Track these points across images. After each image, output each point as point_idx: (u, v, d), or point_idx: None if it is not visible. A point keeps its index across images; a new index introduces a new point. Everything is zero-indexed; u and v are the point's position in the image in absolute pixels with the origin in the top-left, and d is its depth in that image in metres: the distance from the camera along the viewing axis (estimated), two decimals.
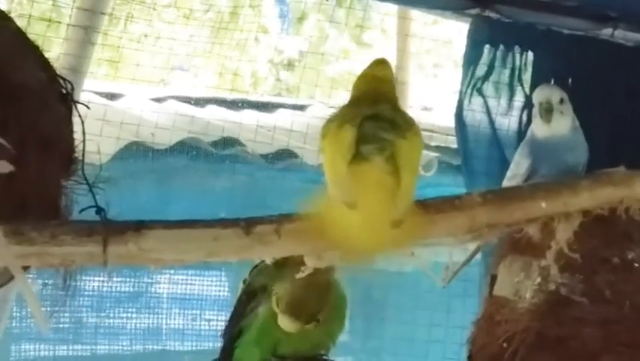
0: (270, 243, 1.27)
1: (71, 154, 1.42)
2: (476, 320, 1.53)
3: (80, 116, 1.39)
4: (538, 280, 1.40)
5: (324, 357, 1.66)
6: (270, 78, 5.11)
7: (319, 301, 1.58)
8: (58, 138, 1.38)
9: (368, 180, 1.21)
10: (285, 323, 1.59)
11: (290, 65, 4.96)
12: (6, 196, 1.25)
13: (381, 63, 1.34)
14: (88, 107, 1.42)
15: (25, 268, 1.28)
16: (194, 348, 2.94)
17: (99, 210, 1.28)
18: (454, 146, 2.77)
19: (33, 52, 1.39)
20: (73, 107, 1.42)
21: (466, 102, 2.24)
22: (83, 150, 1.37)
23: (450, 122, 2.86)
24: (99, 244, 1.20)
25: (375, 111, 1.25)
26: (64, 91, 1.42)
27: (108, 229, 1.21)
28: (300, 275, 1.38)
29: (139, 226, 1.22)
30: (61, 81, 1.42)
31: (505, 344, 1.40)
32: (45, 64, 1.41)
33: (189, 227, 1.25)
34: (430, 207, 1.32)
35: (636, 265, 1.37)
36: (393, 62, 3.07)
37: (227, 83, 4.83)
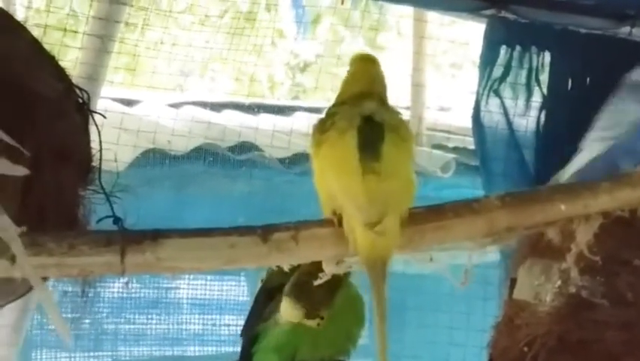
0: (287, 250, 1.26)
1: (88, 163, 1.42)
2: (496, 323, 1.52)
3: (96, 125, 1.40)
4: (559, 283, 1.39)
5: None
6: (286, 82, 5.11)
7: (326, 296, 1.57)
8: (75, 147, 1.38)
9: (376, 188, 1.19)
10: (286, 308, 1.58)
11: (306, 69, 4.97)
12: (24, 206, 1.26)
13: (368, 60, 1.30)
14: (104, 117, 1.42)
15: (44, 279, 1.28)
16: (213, 353, 2.94)
17: (116, 220, 1.28)
18: (472, 147, 2.76)
19: (49, 62, 1.40)
20: (90, 116, 1.43)
21: (483, 103, 2.23)
22: (100, 159, 1.38)
23: (468, 122, 2.85)
24: (117, 254, 1.20)
25: (368, 113, 1.23)
26: (80, 100, 1.42)
27: (125, 239, 1.21)
28: (318, 282, 1.37)
29: (156, 235, 1.22)
30: (78, 91, 1.42)
31: (525, 348, 1.39)
32: (61, 73, 1.41)
33: (206, 235, 1.25)
34: (448, 211, 1.31)
35: None
36: (409, 63, 3.08)
37: (245, 87, 4.84)
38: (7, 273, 1.17)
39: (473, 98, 2.32)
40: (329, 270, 1.32)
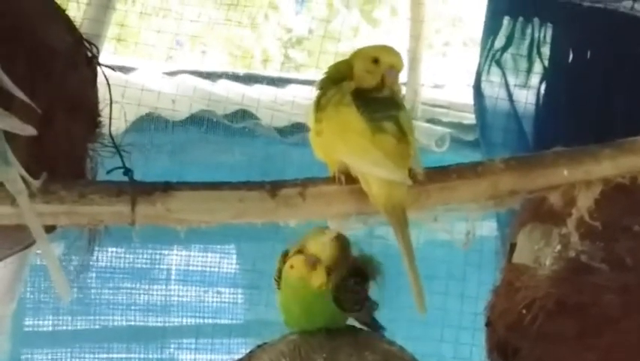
0: (294, 206, 1.28)
1: (96, 118, 1.43)
2: (495, 287, 1.54)
3: (106, 78, 1.40)
4: (559, 247, 1.41)
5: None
6: (279, 56, 5.11)
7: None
8: (85, 101, 1.39)
9: (390, 150, 1.23)
10: None
11: (299, 43, 4.96)
12: (36, 158, 1.26)
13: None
14: (114, 70, 1.43)
15: (53, 228, 1.29)
16: (204, 322, 2.95)
17: (127, 171, 1.29)
18: (467, 122, 2.78)
19: (59, 14, 1.40)
20: (99, 70, 1.44)
21: (484, 74, 2.24)
22: (110, 112, 1.39)
23: (462, 98, 2.87)
24: (127, 204, 1.21)
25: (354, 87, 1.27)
26: (89, 54, 1.43)
27: (136, 190, 1.22)
28: (325, 239, 1.39)
29: (167, 187, 1.24)
30: (87, 44, 1.43)
31: (524, 311, 1.41)
32: (71, 27, 1.42)
33: (216, 189, 1.26)
34: (452, 172, 1.33)
35: None
36: (405, 38, 3.08)
37: (237, 60, 4.83)
38: (19, 220, 1.18)
39: (466, 76, 2.33)
40: (334, 227, 1.34)
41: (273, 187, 1.28)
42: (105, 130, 1.45)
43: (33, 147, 1.26)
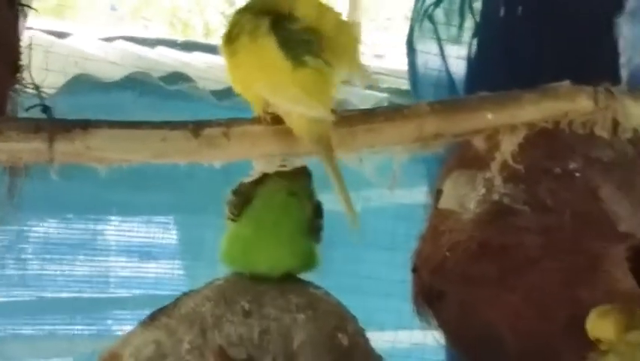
0: (218, 146, 1.27)
1: (17, 60, 1.40)
2: (421, 234, 1.54)
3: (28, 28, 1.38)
4: (483, 191, 1.42)
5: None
6: (221, 29, 5.08)
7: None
8: (6, 42, 1.36)
9: (310, 85, 1.18)
10: None
11: None
12: None
13: None
14: (36, 11, 1.40)
15: None
16: (139, 294, 2.94)
17: (45, 109, 1.27)
18: (404, 87, 2.81)
19: None
20: (21, 13, 1.41)
21: (416, 29, 2.25)
22: (29, 55, 1.36)
23: (399, 66, 2.89)
24: (45, 141, 1.19)
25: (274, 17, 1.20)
26: None
27: (54, 126, 1.20)
28: (248, 179, 1.38)
29: (86, 125, 1.22)
30: None
31: (448, 254, 1.42)
32: None
33: (136, 127, 1.26)
34: (379, 115, 1.33)
35: (577, 174, 1.40)
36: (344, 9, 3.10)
37: (178, 33, 4.79)
38: None
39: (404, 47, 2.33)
40: (259, 168, 1.33)
41: (197, 127, 1.27)
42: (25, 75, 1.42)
43: None
